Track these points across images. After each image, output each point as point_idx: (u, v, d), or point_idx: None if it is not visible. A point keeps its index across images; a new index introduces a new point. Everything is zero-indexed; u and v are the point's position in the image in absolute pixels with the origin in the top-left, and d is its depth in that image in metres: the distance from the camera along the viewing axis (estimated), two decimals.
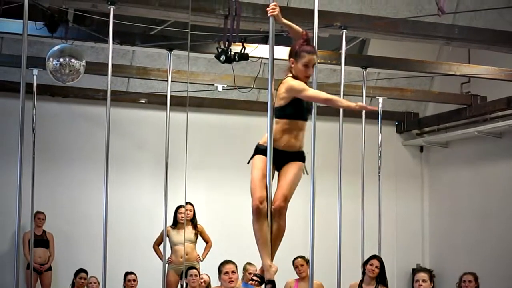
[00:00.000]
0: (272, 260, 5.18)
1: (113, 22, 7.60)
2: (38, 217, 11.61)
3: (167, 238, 10.28)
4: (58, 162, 12.80)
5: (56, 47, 8.54)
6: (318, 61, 5.42)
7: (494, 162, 13.02)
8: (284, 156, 5.19)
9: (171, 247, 10.79)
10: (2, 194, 11.67)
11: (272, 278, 5.21)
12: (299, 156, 5.25)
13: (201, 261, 10.96)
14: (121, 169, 12.66)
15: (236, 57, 7.57)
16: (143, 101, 13.23)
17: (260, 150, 5.22)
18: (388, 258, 10.14)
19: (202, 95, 12.83)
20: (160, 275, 9.81)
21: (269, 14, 5.28)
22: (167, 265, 10.24)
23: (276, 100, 5.20)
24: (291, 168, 5.20)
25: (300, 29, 5.40)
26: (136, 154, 13.30)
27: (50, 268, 11.90)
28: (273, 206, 5.11)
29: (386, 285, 8.74)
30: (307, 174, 5.33)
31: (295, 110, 5.18)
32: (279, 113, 5.17)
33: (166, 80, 9.76)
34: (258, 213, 5.10)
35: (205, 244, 11.15)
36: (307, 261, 9.41)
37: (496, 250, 12.69)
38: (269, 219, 5.10)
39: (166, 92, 9.66)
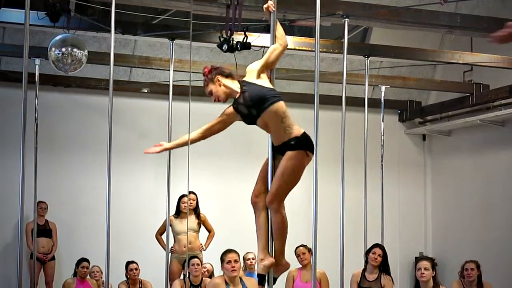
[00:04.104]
0: (283, 255, 5.18)
1: (115, 12, 7.58)
2: (40, 207, 11.63)
3: (170, 228, 10.30)
4: (60, 151, 12.82)
5: (58, 37, 8.53)
6: (320, 50, 5.43)
7: (496, 150, 13.02)
8: (277, 150, 5.16)
9: (174, 237, 10.81)
10: (4, 184, 11.70)
11: (261, 272, 5.23)
12: (287, 146, 5.06)
13: (204, 250, 10.98)
14: (124, 159, 12.66)
15: (238, 46, 7.57)
16: (146, 91, 13.22)
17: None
18: (390, 247, 10.16)
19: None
20: (163, 265, 9.84)
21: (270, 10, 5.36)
22: (170, 254, 10.27)
23: None
24: (281, 163, 5.09)
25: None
26: (139, 143, 13.27)
27: (53, 258, 11.93)
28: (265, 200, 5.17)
29: (389, 274, 8.77)
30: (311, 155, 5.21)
31: (244, 119, 5.21)
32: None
33: (169, 70, 9.75)
34: (253, 207, 5.22)
35: (207, 233, 11.17)
36: (309, 250, 9.45)
37: (498, 238, 12.70)
38: (269, 214, 5.16)
39: (169, 81, 9.64)
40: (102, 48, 11.67)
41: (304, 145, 5.01)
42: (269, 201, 5.05)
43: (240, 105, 5.12)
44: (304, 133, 5.07)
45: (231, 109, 5.16)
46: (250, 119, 5.13)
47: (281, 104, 5.06)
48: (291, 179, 5.00)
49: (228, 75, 5.25)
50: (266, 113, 5.04)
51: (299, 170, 5.01)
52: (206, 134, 5.24)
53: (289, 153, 5.02)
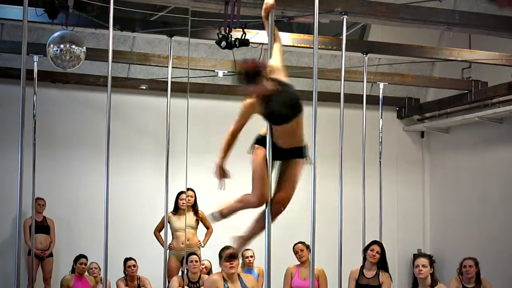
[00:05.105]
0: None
1: (114, 8, 7.58)
2: (38, 203, 11.60)
3: (168, 224, 10.30)
4: (59, 148, 12.80)
5: (56, 33, 8.53)
6: (319, 47, 5.43)
7: (495, 147, 13.02)
8: (284, 153, 5.17)
9: (172, 233, 10.81)
10: (3, 180, 11.68)
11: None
12: (300, 152, 5.15)
13: (202, 247, 10.98)
14: (122, 155, 12.66)
15: (236, 43, 7.57)
16: (144, 87, 13.21)
17: (259, 140, 5.21)
18: (389, 244, 10.15)
19: (203, 81, 12.81)
20: (161, 261, 9.83)
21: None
22: (168, 251, 10.26)
23: None
24: (295, 169, 5.16)
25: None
26: (137, 140, 13.30)
27: (51, 254, 11.92)
28: (281, 208, 5.17)
29: (387, 271, 8.77)
30: (310, 164, 5.28)
31: (275, 118, 5.07)
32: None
33: (167, 66, 9.76)
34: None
35: (206, 230, 11.17)
36: (307, 247, 9.45)
37: (497, 235, 12.71)
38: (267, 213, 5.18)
39: (167, 78, 9.65)
40: (101, 44, 11.64)
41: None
42: (287, 206, 5.09)
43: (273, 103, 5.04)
44: None
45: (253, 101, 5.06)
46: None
47: None
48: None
49: None
50: (300, 117, 5.07)
51: None
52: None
53: (300, 160, 5.14)
